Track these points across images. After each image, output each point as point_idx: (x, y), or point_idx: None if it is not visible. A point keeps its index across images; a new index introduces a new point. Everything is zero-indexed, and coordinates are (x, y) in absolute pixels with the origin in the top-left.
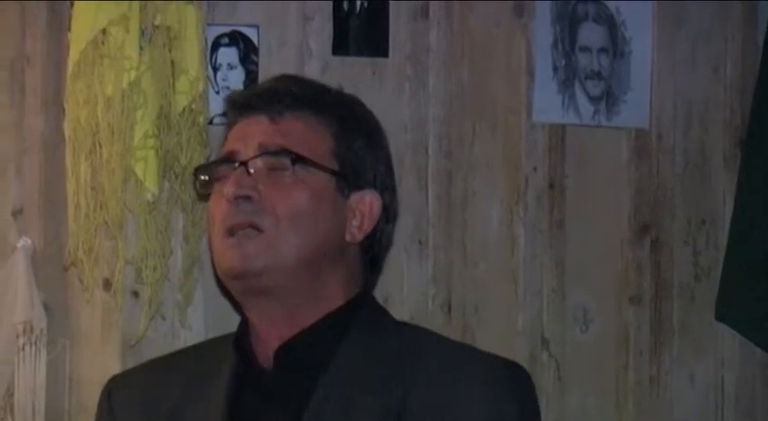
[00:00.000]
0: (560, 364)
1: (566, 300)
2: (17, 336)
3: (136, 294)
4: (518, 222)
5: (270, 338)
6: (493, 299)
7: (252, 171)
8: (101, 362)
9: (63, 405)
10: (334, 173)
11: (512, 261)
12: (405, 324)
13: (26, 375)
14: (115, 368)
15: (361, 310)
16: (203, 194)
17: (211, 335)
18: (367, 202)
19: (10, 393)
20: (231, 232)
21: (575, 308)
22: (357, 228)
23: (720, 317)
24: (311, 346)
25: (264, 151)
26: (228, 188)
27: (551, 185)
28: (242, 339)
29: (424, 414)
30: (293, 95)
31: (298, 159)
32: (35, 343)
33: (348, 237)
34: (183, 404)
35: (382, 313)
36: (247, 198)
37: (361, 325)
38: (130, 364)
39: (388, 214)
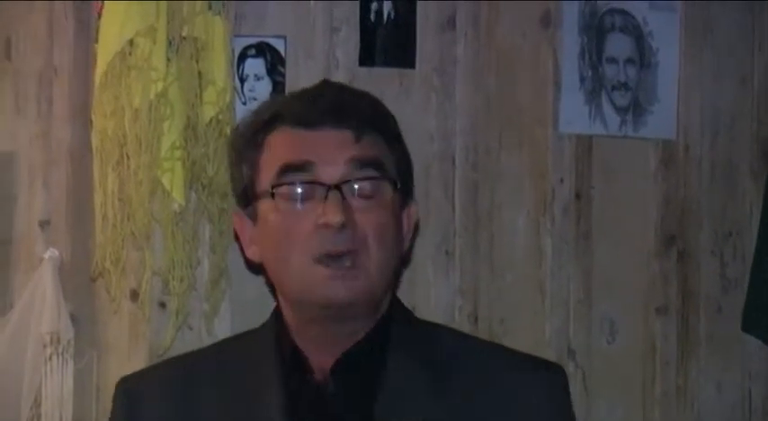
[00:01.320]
0: (587, 375)
1: (592, 310)
2: (44, 347)
3: (163, 305)
4: (545, 233)
5: (323, 351)
6: (519, 309)
7: (345, 195)
8: (128, 373)
9: (90, 415)
10: (399, 190)
11: (538, 272)
12: (433, 324)
13: (53, 386)
14: None
15: (397, 316)
16: (245, 197)
17: None
18: (412, 213)
19: (37, 403)
20: (326, 260)
21: (601, 319)
22: (406, 240)
23: (747, 328)
24: (365, 358)
25: (362, 175)
26: (335, 216)
27: (578, 196)
28: (294, 350)
29: (483, 419)
30: (372, 109)
31: (395, 183)
32: (62, 353)
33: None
34: (231, 414)
35: (412, 316)
36: (346, 225)
37: (400, 332)
38: None
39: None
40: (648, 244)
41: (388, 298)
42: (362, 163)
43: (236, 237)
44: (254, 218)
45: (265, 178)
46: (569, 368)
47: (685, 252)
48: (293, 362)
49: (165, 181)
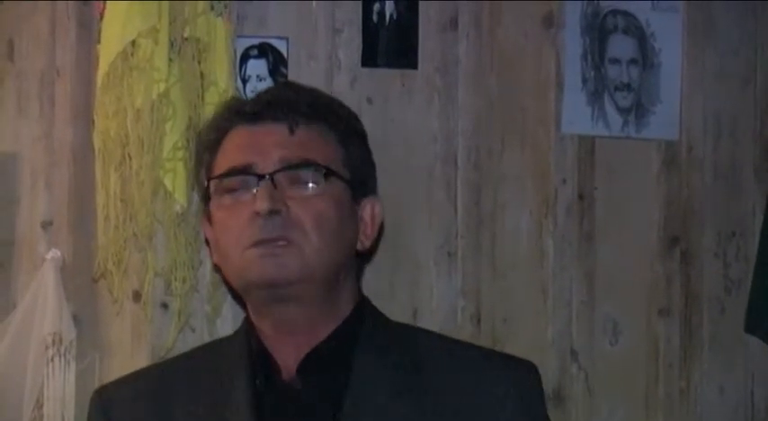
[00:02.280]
0: (590, 376)
1: (595, 312)
2: (46, 348)
3: (165, 306)
4: (547, 234)
5: (288, 348)
6: (522, 311)
7: (277, 185)
8: None
9: None
10: (348, 182)
11: (541, 273)
12: (405, 325)
13: (55, 387)
14: None
15: (366, 317)
16: (205, 201)
17: None
18: (370, 209)
19: (39, 405)
20: (259, 245)
21: (604, 320)
22: (365, 236)
23: (750, 329)
24: (331, 357)
25: (288, 164)
26: (261, 203)
27: (581, 197)
28: (261, 350)
29: (451, 417)
30: (307, 105)
31: (327, 173)
32: (64, 354)
33: (359, 246)
34: (202, 415)
35: (381, 316)
36: (277, 212)
37: (369, 329)
38: None
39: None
40: (651, 245)
41: (347, 295)
42: (294, 155)
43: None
44: (211, 221)
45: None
46: (572, 369)
47: (688, 253)
48: (260, 362)
49: (168, 182)
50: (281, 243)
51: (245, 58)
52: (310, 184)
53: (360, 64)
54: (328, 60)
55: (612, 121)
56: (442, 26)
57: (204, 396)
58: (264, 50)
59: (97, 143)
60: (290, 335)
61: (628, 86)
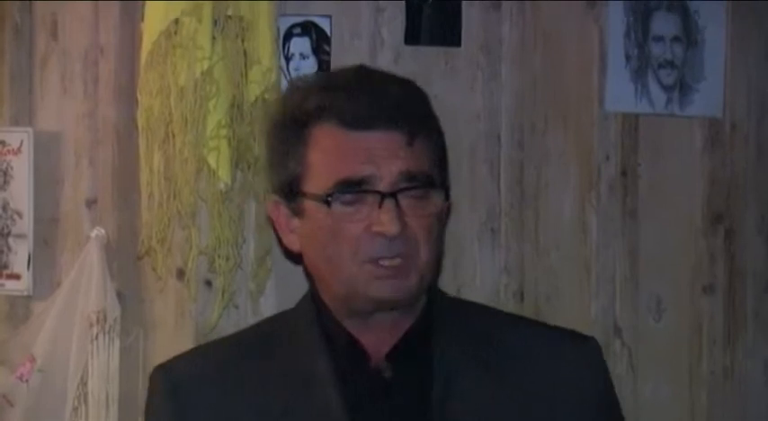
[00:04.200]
0: (633, 353)
1: (639, 288)
2: (91, 326)
3: (209, 283)
4: (590, 211)
5: (375, 338)
6: (565, 287)
7: (399, 202)
8: (174, 351)
9: (136, 393)
10: (446, 190)
11: (584, 250)
12: (465, 301)
13: (100, 364)
14: None
15: (436, 301)
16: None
17: None
18: (446, 210)
19: (84, 382)
20: (378, 263)
21: (648, 297)
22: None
23: None
24: (415, 346)
25: (411, 183)
26: (391, 227)
27: (624, 174)
28: (349, 337)
29: (529, 396)
30: (424, 111)
31: (446, 193)
32: (109, 332)
33: None
34: (284, 407)
35: (448, 297)
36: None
37: (442, 317)
38: None
39: None
40: (695, 222)
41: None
42: (417, 170)
43: (271, 222)
44: (297, 212)
45: (318, 183)
46: (615, 346)
47: (731, 230)
48: (346, 346)
49: (211, 160)
50: (397, 261)
51: (288, 36)
52: (422, 201)
53: (403, 42)
54: (371, 38)
55: (656, 99)
56: (486, 4)
57: (279, 373)
58: (308, 28)
59: (141, 121)
60: (380, 328)
61: (671, 64)
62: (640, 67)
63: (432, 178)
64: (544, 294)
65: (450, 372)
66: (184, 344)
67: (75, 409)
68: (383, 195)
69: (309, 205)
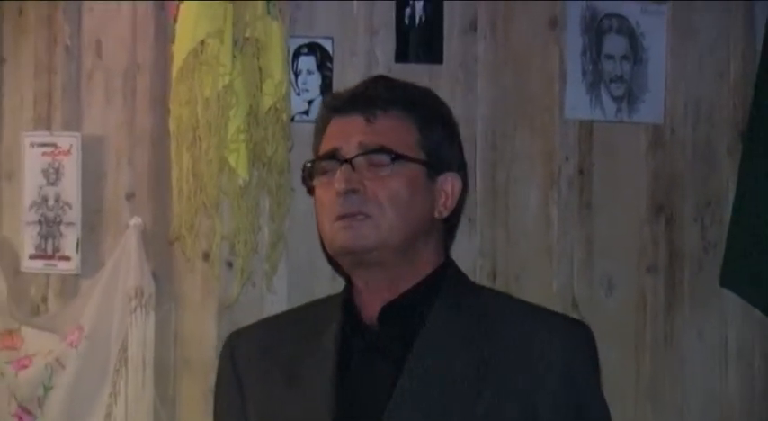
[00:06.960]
0: (588, 324)
1: (593, 269)
2: (130, 300)
3: (230, 265)
4: (552, 204)
5: (374, 301)
6: (531, 269)
7: (355, 167)
8: (201, 322)
9: (169, 358)
10: (422, 162)
11: (547, 237)
12: (482, 287)
13: (137, 333)
14: (212, 327)
15: (448, 275)
16: (308, 183)
17: (294, 299)
18: (450, 183)
19: (124, 348)
20: (342, 218)
21: (601, 275)
22: (443, 207)
23: (724, 283)
24: (410, 306)
25: (365, 150)
26: (339, 184)
27: (581, 172)
28: (349, 301)
29: (509, 366)
30: (384, 97)
31: (396, 157)
32: (145, 306)
33: (436, 215)
34: (298, 354)
35: (464, 277)
36: (354, 191)
37: (449, 287)
38: (226, 324)
39: (466, 189)
40: (640, 212)
41: (427, 257)
42: (371, 142)
43: None
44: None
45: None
46: (573, 317)
47: (672, 219)
48: (349, 311)
49: (232, 160)
50: (359, 217)
51: (296, 54)
52: (385, 167)
53: (394, 60)
54: (367, 56)
55: (608, 108)
56: (464, 28)
57: (303, 339)
58: (313, 48)
59: (172, 127)
60: (376, 292)
61: (621, 78)
62: (594, 81)
63: (387, 149)
64: (513, 274)
65: (434, 335)
66: (209, 316)
67: (117, 371)
68: (341, 162)
69: (314, 183)
